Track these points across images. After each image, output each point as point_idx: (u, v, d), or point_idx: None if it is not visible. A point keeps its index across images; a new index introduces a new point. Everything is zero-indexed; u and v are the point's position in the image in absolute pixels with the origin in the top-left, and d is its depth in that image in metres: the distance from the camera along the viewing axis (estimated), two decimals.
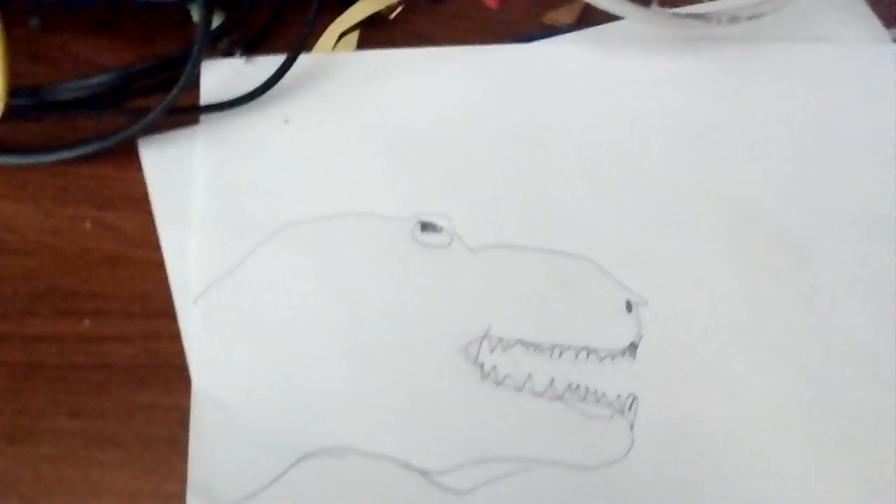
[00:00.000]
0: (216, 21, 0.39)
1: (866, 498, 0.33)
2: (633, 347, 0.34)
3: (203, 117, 0.38)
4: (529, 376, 0.33)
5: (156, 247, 0.35)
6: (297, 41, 0.39)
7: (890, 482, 0.33)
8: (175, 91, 0.36)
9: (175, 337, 0.33)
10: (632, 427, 0.33)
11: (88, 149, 0.37)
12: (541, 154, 0.38)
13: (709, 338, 0.35)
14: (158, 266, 0.35)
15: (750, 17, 0.41)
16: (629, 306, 0.35)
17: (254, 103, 0.38)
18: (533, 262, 0.36)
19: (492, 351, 0.34)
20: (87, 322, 0.34)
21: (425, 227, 0.36)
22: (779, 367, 0.34)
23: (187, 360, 0.33)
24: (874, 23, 0.43)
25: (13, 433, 0.31)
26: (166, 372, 0.33)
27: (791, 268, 0.36)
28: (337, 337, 0.34)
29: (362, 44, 0.41)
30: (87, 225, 0.36)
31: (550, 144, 0.38)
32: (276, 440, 0.32)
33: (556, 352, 0.34)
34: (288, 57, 0.39)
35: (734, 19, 0.41)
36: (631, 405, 0.33)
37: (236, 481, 0.31)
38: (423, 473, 0.32)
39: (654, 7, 0.40)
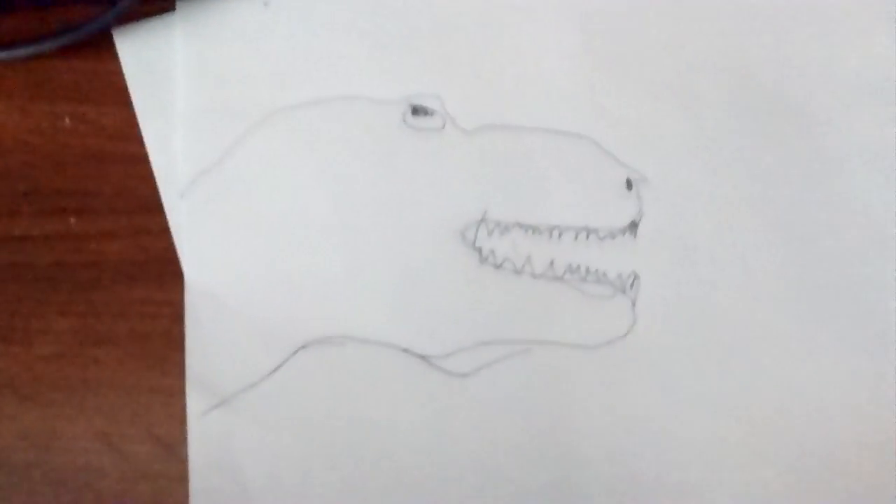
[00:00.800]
0: None
1: (876, 372, 0.33)
2: (633, 226, 0.34)
3: (179, 3, 0.36)
4: (528, 258, 0.33)
5: (139, 140, 0.34)
6: None
7: None
8: None
9: (164, 231, 0.33)
10: (633, 305, 0.33)
11: (62, 41, 0.35)
12: (535, 29, 0.36)
13: (711, 214, 0.34)
14: (143, 160, 0.34)
15: None
16: (629, 184, 0.34)
17: None
18: (529, 142, 0.34)
19: (489, 234, 0.33)
20: (72, 220, 0.33)
21: (416, 110, 0.34)
22: (784, 241, 0.34)
23: (178, 254, 0.32)
24: None
25: (7, 334, 0.31)
26: (157, 267, 0.32)
27: (795, 138, 0.35)
28: (331, 225, 0.33)
29: None
30: (67, 121, 0.35)
31: (545, 18, 0.37)
32: (273, 330, 0.31)
33: (556, 233, 0.33)
34: None
35: None
36: (632, 284, 0.33)
37: (235, 373, 0.31)
38: (424, 358, 0.31)
39: None
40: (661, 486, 0.32)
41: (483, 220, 0.33)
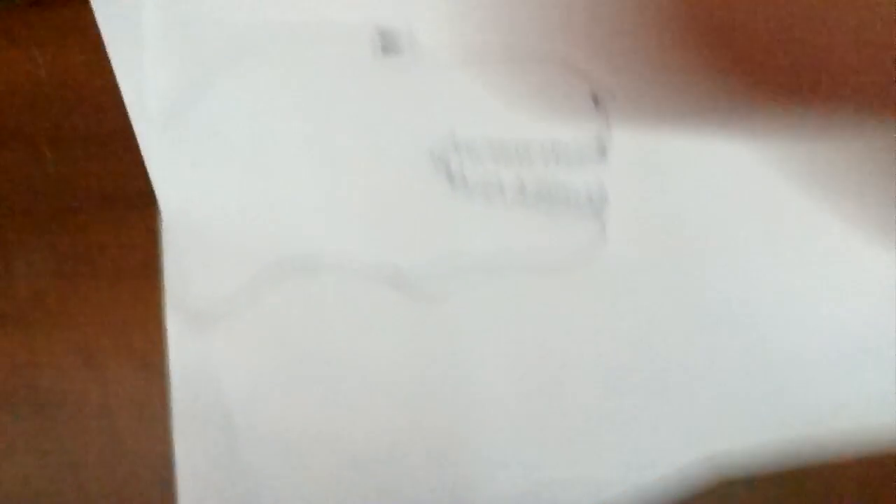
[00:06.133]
0: None
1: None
2: (602, 144, 0.34)
3: None
4: (499, 181, 0.33)
5: (113, 79, 0.34)
6: None
7: None
8: None
9: (140, 165, 0.33)
10: (604, 226, 0.33)
11: None
12: None
13: (679, 130, 0.34)
14: (118, 97, 0.34)
15: None
16: (596, 100, 0.34)
17: None
18: (496, 65, 0.35)
19: (459, 156, 0.33)
20: (48, 153, 0.33)
21: (386, 39, 0.35)
22: (755, 151, 0.34)
23: (154, 185, 0.33)
24: None
25: None
26: (135, 200, 0.33)
27: None
28: (305, 151, 0.33)
29: None
30: (40, 62, 0.35)
31: None
32: (249, 251, 0.32)
33: (525, 153, 0.33)
34: None
35: None
36: (603, 204, 0.33)
37: (214, 294, 0.31)
38: (397, 281, 0.32)
39: None
40: (646, 396, 0.33)
41: (453, 140, 0.34)
